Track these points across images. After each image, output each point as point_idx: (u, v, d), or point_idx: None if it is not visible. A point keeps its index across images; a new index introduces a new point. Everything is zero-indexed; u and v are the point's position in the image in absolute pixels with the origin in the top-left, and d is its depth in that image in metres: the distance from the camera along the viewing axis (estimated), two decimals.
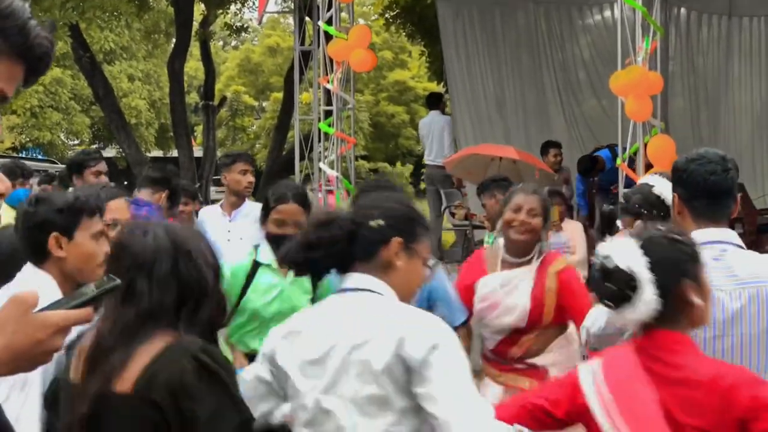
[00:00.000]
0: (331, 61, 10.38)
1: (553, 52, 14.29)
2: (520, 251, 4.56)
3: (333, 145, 10.74)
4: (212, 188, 20.73)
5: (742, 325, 3.11)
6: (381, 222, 2.78)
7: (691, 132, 13.80)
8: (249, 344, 4.42)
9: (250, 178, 6.42)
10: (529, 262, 4.57)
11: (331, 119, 10.73)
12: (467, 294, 4.57)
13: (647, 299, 2.62)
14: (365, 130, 37.91)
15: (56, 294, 2.85)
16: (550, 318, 4.51)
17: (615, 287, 2.66)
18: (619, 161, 8.43)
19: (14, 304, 1.71)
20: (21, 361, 1.73)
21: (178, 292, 2.57)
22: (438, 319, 2.68)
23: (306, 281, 4.32)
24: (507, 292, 4.54)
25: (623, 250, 2.72)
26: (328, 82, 10.47)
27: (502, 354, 4.56)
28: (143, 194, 5.28)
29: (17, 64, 1.69)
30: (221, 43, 41.09)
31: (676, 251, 2.73)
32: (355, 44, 9.92)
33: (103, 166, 6.45)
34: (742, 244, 3.31)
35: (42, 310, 1.74)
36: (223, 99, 24.27)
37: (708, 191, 3.22)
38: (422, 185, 18.94)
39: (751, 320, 3.06)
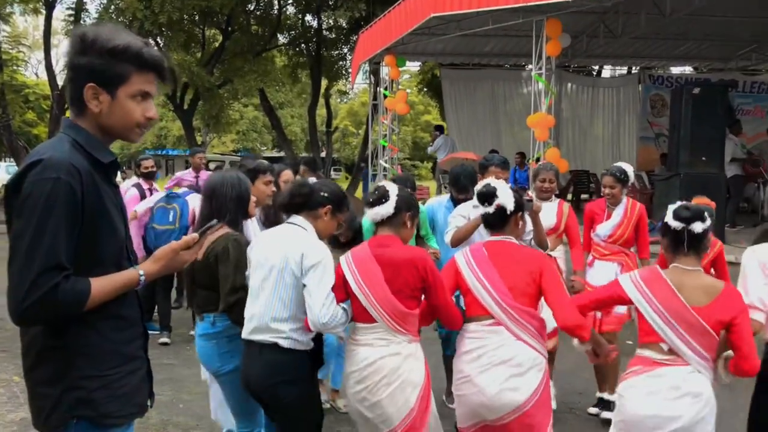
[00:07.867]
0: (386, 108, 19.10)
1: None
2: None
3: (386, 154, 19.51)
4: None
5: None
6: (325, 194, 3.93)
7: None
8: None
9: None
10: None
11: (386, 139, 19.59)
12: None
13: None
14: (410, 144, 49.81)
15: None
16: None
17: None
18: None
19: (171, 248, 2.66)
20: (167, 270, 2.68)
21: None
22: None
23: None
24: None
25: None
26: (385, 120, 19.29)
27: None
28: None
29: (148, 74, 2.39)
30: (339, 100, 57.03)
31: None
32: (399, 100, 18.37)
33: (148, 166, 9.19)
34: None
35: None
36: (335, 128, 40.19)
37: None
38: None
39: None
